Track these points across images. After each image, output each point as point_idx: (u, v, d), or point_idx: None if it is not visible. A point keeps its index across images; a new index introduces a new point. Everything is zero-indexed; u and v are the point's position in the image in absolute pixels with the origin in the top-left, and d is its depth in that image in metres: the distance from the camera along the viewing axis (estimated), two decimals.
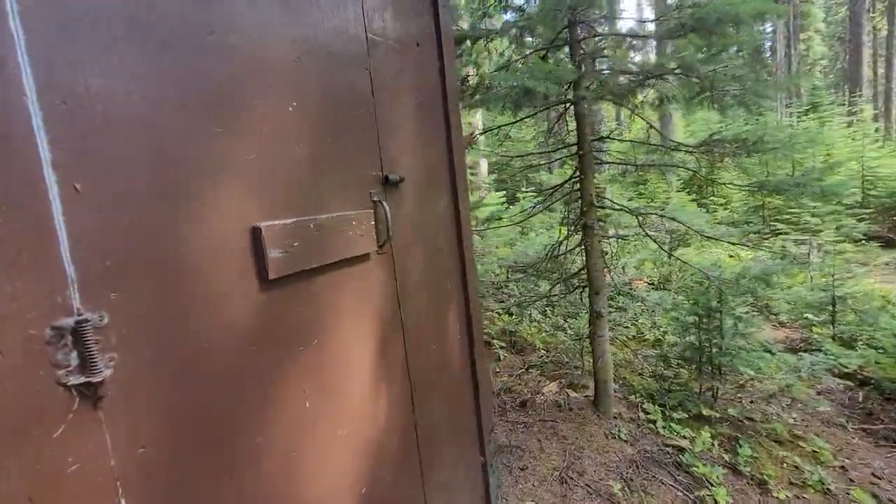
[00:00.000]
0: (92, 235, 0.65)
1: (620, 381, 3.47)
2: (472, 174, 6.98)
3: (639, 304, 4.85)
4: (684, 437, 2.71)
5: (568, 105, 2.78)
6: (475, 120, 6.48)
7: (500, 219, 3.53)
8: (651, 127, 2.63)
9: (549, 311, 4.91)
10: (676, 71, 2.05)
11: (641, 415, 2.94)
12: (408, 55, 1.54)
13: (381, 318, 1.31)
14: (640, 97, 2.69)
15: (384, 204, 1.30)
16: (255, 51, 0.94)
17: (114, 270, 0.68)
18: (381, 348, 1.30)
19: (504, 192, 7.63)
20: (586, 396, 3.05)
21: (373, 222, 1.26)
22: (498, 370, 3.57)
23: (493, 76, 2.18)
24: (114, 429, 0.67)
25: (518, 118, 3.00)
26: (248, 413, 0.87)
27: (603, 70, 2.35)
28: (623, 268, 5.19)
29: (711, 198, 9.95)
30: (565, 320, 5.00)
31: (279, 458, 0.94)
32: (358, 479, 1.18)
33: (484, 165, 7.38)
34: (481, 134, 3.21)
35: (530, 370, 3.55)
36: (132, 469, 0.68)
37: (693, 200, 9.55)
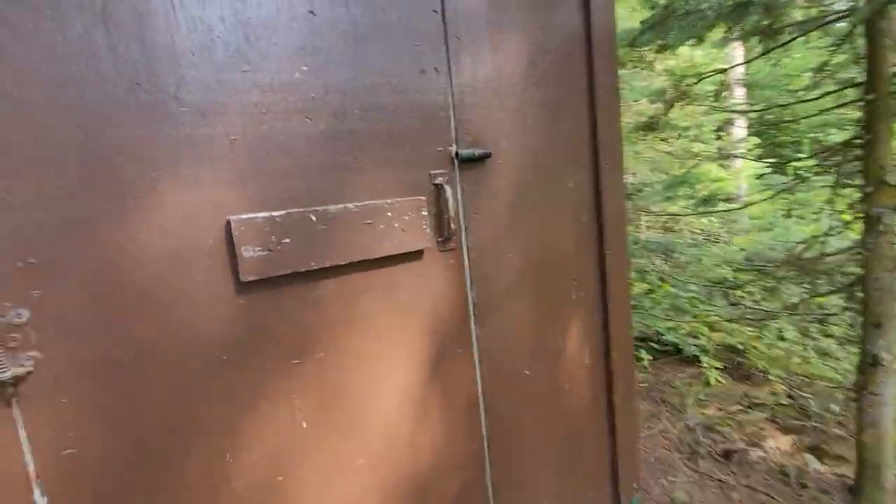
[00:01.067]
0: (11, 234, 0.63)
1: None
2: (718, 138, 5.45)
3: None
4: None
5: (854, 23, 1.73)
6: (734, 58, 4.92)
7: (729, 200, 2.63)
8: None
9: (812, 331, 3.48)
10: None
11: None
12: None
13: (438, 331, 1.05)
14: None
15: (447, 188, 1.00)
16: (240, 8, 0.78)
17: (38, 268, 0.65)
18: (434, 370, 1.04)
19: (773, 161, 5.75)
20: (839, 476, 2.01)
21: (425, 212, 0.98)
22: (703, 398, 2.74)
23: None
24: (32, 428, 0.65)
25: (765, 51, 2.06)
26: (212, 426, 0.78)
27: None
28: None
29: None
30: (841, 346, 3.47)
31: (258, 479, 0.83)
32: None
33: (739, 125, 5.66)
34: (693, 82, 2.36)
35: (752, 409, 2.58)
36: (55, 471, 0.67)
37: None
